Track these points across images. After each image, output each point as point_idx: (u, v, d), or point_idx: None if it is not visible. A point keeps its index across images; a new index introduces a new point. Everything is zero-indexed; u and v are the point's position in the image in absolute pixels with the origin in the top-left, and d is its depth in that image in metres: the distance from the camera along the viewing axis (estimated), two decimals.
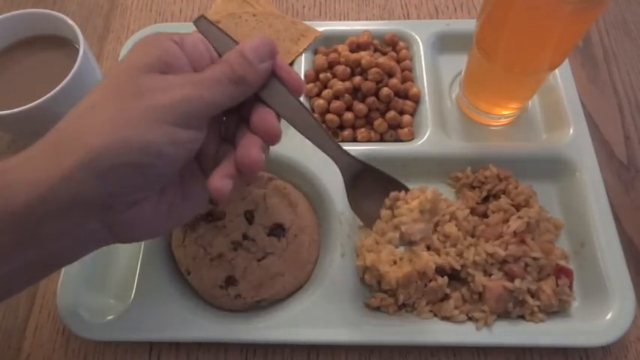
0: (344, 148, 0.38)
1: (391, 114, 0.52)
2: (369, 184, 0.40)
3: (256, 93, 0.33)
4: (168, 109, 0.29)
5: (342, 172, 0.39)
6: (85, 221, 0.29)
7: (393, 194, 0.40)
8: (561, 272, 0.43)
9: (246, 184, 0.45)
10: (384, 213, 0.41)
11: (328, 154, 0.37)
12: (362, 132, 0.52)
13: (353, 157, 0.39)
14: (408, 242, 0.40)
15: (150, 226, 0.32)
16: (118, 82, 0.29)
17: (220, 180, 0.31)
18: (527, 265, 0.42)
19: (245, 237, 0.44)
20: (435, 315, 0.42)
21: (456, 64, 0.56)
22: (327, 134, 0.36)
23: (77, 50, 0.47)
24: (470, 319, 0.42)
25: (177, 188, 0.33)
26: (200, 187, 0.34)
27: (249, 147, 0.32)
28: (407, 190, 0.41)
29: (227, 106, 0.32)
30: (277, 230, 0.45)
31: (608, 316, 0.41)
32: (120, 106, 0.28)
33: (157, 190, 0.32)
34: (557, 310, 0.42)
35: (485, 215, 0.46)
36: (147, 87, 0.29)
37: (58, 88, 0.45)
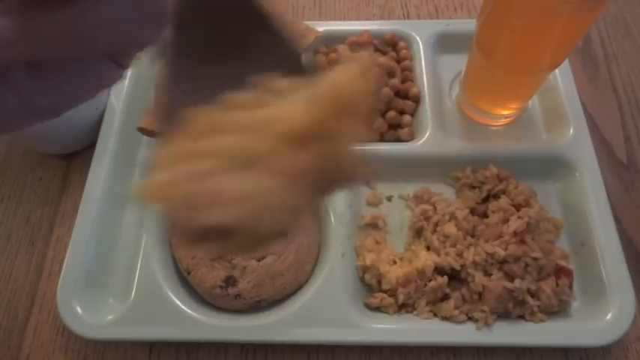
0: None
1: (391, 114, 0.52)
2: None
3: None
4: None
5: None
6: None
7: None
8: (561, 272, 0.43)
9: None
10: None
11: None
12: None
13: None
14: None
15: None
16: None
17: None
18: (527, 265, 0.42)
19: None
20: (435, 315, 0.42)
21: (456, 64, 0.55)
22: None
23: None
24: (470, 319, 0.42)
25: None
26: None
27: None
28: (301, 72, 0.20)
29: None
30: None
31: (608, 316, 0.41)
32: None
33: None
34: (557, 310, 0.42)
35: (485, 215, 0.46)
36: None
37: None
